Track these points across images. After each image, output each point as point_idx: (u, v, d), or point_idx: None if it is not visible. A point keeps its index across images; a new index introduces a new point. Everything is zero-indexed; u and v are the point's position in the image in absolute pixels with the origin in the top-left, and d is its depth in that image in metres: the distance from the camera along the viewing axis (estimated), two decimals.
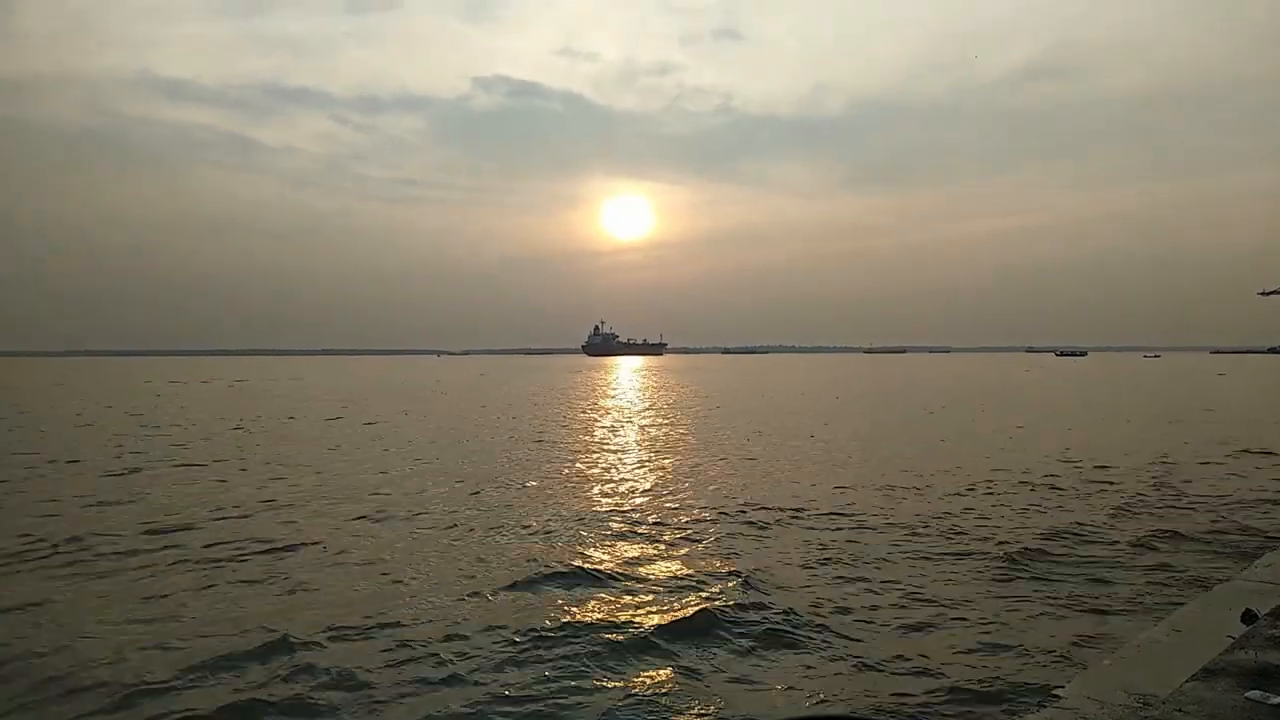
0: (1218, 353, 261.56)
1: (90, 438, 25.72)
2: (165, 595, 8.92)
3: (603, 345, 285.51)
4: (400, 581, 9.41)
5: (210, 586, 9.28)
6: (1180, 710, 4.32)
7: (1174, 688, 4.63)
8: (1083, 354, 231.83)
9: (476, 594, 8.88)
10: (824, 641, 7.48)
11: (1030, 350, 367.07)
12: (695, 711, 6.13)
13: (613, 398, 49.12)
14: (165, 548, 11.00)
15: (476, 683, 6.60)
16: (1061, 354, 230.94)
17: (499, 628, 7.75)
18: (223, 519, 13.05)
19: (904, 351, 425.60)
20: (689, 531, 11.88)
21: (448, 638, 7.53)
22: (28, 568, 10.04)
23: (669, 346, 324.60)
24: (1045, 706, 4.57)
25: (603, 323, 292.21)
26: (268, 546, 11.04)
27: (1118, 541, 11.02)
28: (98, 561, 10.34)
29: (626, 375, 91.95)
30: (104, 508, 14.02)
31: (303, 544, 11.18)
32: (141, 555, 10.61)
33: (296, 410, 38.42)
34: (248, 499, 14.76)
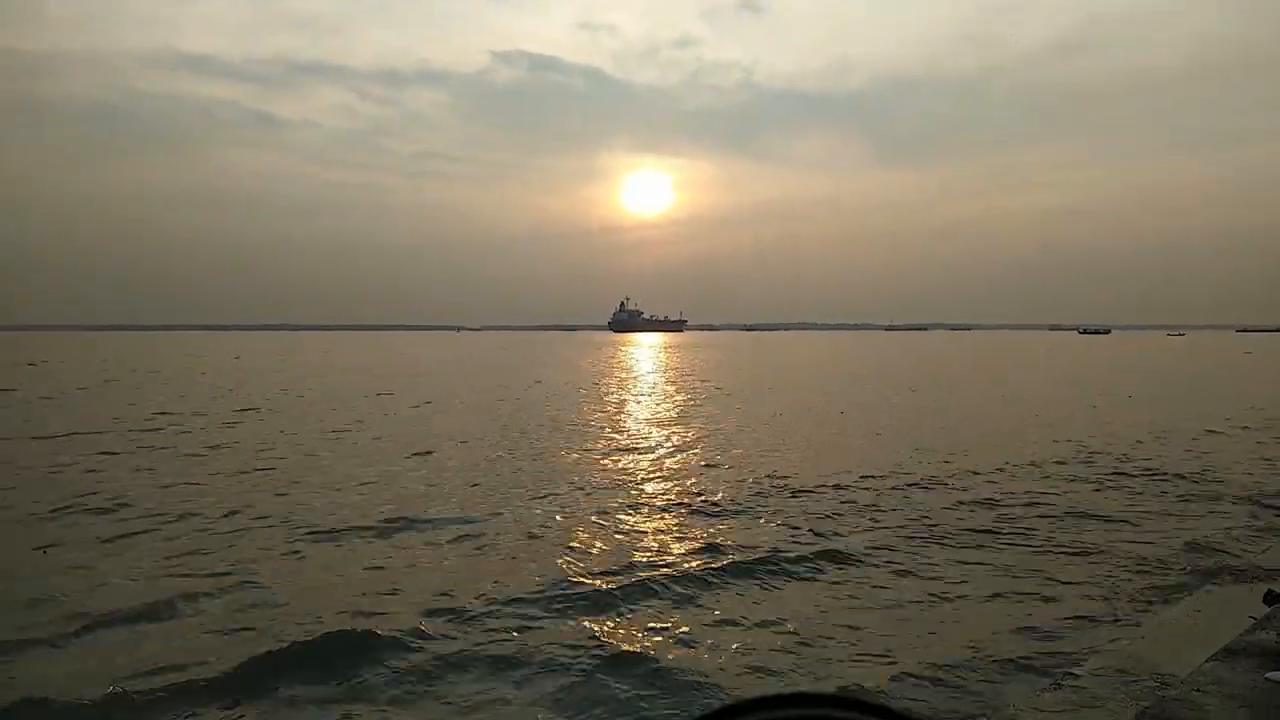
0: (1244, 331, 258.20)
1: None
2: None
3: (628, 321, 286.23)
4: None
5: None
6: (1199, 690, 4.30)
7: (1193, 667, 4.61)
8: (1106, 332, 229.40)
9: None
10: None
11: (1053, 328, 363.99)
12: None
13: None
14: None
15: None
16: (1084, 332, 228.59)
17: None
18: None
19: (925, 329, 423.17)
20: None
21: None
22: None
23: (689, 323, 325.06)
24: (1063, 685, 4.58)
25: (628, 299, 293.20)
26: None
27: None
28: None
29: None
30: None
31: None
32: None
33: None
34: None
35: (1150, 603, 7.63)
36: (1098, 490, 13.19)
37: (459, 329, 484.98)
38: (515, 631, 7.08)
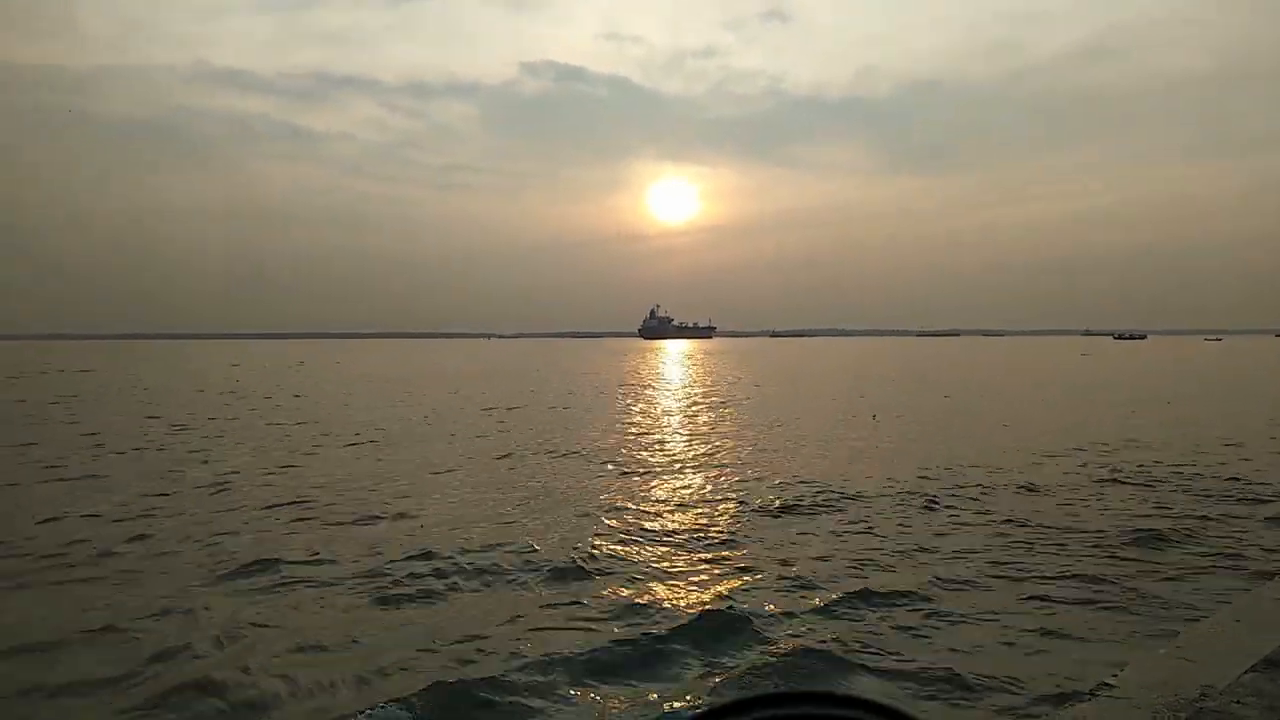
0: None
1: None
2: None
3: (659, 328, 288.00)
4: None
5: None
6: (1238, 702, 4.21)
7: (1232, 679, 4.52)
8: (1142, 337, 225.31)
9: None
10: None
11: (1087, 333, 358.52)
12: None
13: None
14: None
15: None
16: (1120, 337, 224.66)
17: None
18: None
19: (957, 335, 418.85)
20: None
21: None
22: None
23: (718, 330, 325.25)
24: (1096, 695, 4.50)
25: (658, 306, 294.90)
26: None
27: None
28: None
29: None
30: None
31: None
32: None
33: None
34: None
35: (1188, 611, 7.49)
36: (1135, 496, 13.00)
37: (490, 336, 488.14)
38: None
